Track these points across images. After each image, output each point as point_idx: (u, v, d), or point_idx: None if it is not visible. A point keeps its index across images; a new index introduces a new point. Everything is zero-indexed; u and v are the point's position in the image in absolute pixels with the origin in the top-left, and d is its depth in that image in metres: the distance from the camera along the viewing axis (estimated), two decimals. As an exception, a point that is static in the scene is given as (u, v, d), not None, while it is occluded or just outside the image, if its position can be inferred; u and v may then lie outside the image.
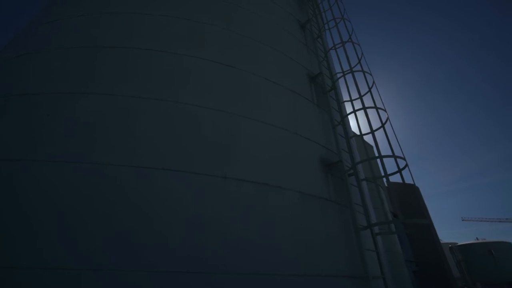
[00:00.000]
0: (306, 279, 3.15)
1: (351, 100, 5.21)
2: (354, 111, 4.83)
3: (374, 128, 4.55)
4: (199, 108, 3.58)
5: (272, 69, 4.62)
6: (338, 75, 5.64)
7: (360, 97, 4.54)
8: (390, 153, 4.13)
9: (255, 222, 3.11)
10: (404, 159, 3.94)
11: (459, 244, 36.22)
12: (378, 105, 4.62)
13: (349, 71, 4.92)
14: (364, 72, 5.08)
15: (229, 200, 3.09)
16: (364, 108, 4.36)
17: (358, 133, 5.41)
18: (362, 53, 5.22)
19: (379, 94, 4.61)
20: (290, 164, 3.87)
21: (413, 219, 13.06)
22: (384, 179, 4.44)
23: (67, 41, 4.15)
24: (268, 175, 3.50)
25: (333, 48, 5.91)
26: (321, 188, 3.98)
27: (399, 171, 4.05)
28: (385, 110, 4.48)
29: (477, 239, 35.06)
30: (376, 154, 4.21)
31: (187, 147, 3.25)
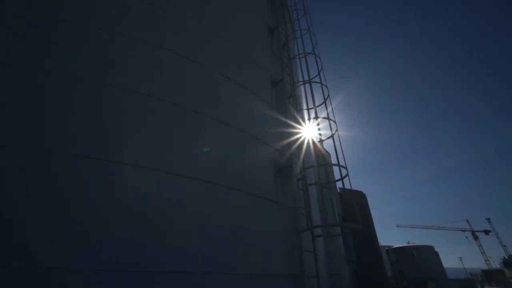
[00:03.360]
0: (242, 278, 3.23)
1: (308, 109, 5.50)
2: (309, 119, 5.11)
3: (333, 136, 4.89)
4: (150, 97, 3.41)
5: (234, 68, 4.63)
6: (300, 83, 5.90)
7: (314, 108, 4.83)
8: (346, 160, 4.47)
9: (197, 221, 3.07)
10: (345, 168, 4.30)
11: (394, 247, 41.66)
12: (336, 116, 4.96)
13: (308, 81, 5.19)
14: (321, 85, 5.41)
15: (172, 196, 3.00)
16: (316, 117, 4.64)
17: (321, 140, 5.73)
18: (322, 67, 5.56)
19: (331, 107, 4.96)
20: (241, 164, 3.92)
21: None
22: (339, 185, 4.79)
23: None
24: (216, 174, 3.48)
25: (297, 57, 6.16)
26: (269, 190, 4.11)
27: (341, 179, 4.41)
28: (335, 122, 4.85)
29: (408, 242, 40.66)
30: (338, 161, 4.51)
31: (133, 137, 3.06)
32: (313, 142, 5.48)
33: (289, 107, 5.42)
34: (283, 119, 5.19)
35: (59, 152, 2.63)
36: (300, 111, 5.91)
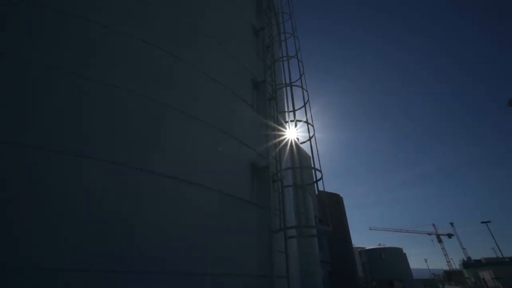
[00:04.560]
0: (213, 278, 3.19)
1: (288, 112, 5.58)
2: (288, 122, 5.19)
3: (311, 140, 4.98)
4: (128, 92, 3.27)
5: (215, 66, 4.57)
6: (281, 86, 5.97)
7: (294, 111, 4.91)
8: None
9: (168, 219, 2.99)
10: (320, 171, 4.41)
11: (366, 248, 43.83)
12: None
13: (289, 84, 5.27)
14: (302, 89, 5.51)
15: (144, 194, 2.90)
16: (294, 120, 4.72)
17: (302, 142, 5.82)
18: (303, 72, 5.67)
19: (310, 111, 5.07)
20: (218, 164, 3.88)
21: (321, 225, 14.80)
22: (316, 187, 4.88)
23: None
24: (191, 172, 3.42)
25: (281, 60, 6.23)
26: (244, 190, 4.11)
27: (316, 181, 4.51)
28: (312, 126, 4.96)
29: (379, 244, 42.90)
30: (314, 164, 4.60)
31: (104, 130, 2.91)
32: (292, 144, 5.57)
33: (269, 108, 5.46)
34: (263, 120, 5.22)
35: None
36: (281, 113, 5.98)
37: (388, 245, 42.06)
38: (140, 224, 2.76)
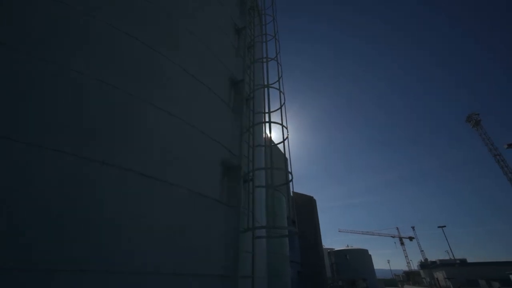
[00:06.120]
0: (175, 278, 3.11)
1: (264, 113, 5.62)
2: (264, 123, 5.23)
3: (284, 142, 5.05)
4: (97, 81, 3.06)
5: (192, 60, 4.47)
6: (259, 86, 6.00)
7: (269, 112, 4.96)
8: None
9: (132, 217, 2.85)
10: (291, 173, 4.50)
11: (334, 250, 46.06)
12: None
13: (266, 85, 5.31)
14: (280, 92, 5.59)
15: (100, 188, 2.73)
16: (269, 122, 4.77)
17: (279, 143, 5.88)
18: (282, 75, 5.76)
19: (285, 114, 5.16)
20: (188, 161, 3.78)
21: (290, 226, 15.19)
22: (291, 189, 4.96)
23: None
24: (158, 169, 3.29)
25: (260, 61, 6.27)
26: (214, 189, 4.05)
27: (287, 183, 4.60)
28: (286, 128, 5.05)
29: (348, 246, 45.10)
30: (286, 166, 4.65)
31: (66, 118, 2.69)
32: (267, 145, 5.62)
33: (246, 108, 5.46)
34: (239, 119, 5.20)
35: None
36: (257, 114, 6.00)
37: (356, 246, 44.31)
38: (96, 221, 2.60)
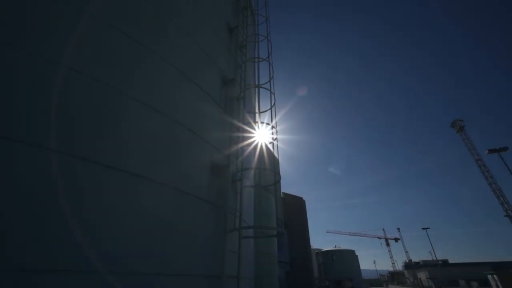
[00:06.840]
0: (159, 278, 3.05)
1: (255, 113, 5.62)
2: (256, 122, 5.22)
3: (273, 142, 5.06)
4: (85, 76, 2.96)
5: (183, 58, 4.41)
6: (250, 86, 5.99)
7: (259, 112, 4.96)
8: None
9: (114, 215, 2.78)
10: (279, 174, 4.52)
11: (322, 250, 46.72)
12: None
13: (257, 86, 5.32)
14: (270, 92, 5.60)
15: (84, 186, 2.64)
16: (259, 122, 4.77)
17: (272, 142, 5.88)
18: (273, 75, 5.77)
19: (275, 114, 5.18)
20: (176, 159, 3.73)
21: (278, 227, 15.26)
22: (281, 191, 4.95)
23: None
24: (145, 167, 3.22)
25: (252, 60, 6.26)
26: (202, 188, 4.01)
27: (274, 183, 4.61)
28: (276, 129, 5.07)
29: (336, 246, 45.77)
30: (275, 167, 4.65)
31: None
32: (256, 145, 5.62)
33: (237, 108, 5.44)
34: (229, 118, 5.18)
35: None
36: (248, 114, 5.99)
37: (343, 247, 45.03)
38: (78, 221, 2.51)
